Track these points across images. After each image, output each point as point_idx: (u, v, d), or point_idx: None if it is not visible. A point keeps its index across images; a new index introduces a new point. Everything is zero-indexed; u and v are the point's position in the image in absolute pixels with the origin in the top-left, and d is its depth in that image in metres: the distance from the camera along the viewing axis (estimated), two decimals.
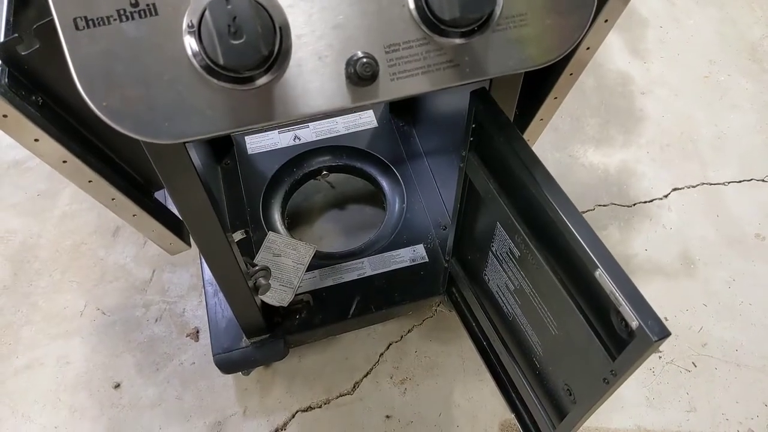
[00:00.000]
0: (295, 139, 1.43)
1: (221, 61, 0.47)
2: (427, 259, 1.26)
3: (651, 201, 1.53)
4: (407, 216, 1.34)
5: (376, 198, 1.45)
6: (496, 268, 0.92)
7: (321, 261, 1.26)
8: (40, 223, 1.51)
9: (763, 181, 1.56)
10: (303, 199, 1.47)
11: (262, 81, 0.52)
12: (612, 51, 1.83)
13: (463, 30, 0.54)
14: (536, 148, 0.97)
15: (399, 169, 1.39)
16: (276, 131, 1.45)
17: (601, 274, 0.61)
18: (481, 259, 0.96)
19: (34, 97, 0.63)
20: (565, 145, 1.63)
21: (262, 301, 1.14)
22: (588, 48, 0.77)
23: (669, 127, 1.67)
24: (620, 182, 1.56)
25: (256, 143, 1.43)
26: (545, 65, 0.57)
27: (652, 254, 1.44)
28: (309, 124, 1.45)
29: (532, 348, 0.89)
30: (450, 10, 0.51)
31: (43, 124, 0.63)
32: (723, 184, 1.55)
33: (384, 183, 1.41)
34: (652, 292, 1.37)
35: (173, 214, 0.87)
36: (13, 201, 1.55)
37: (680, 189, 1.55)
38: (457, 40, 0.55)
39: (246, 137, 1.44)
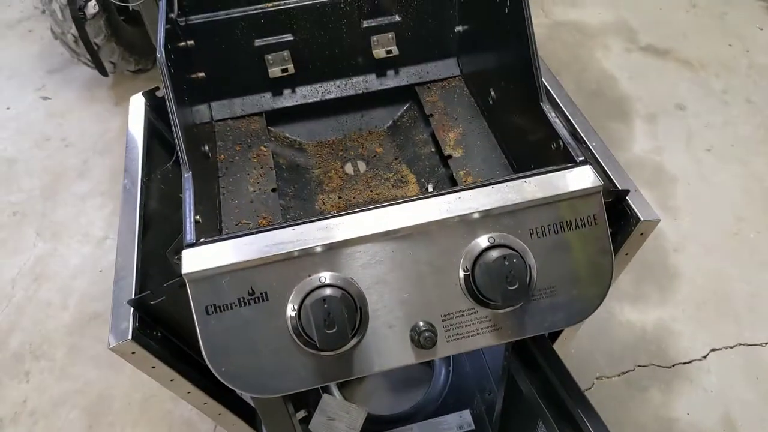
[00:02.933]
0: None
1: (318, 345, 0.61)
2: (473, 426, 1.34)
3: (690, 362, 1.58)
4: (453, 379, 1.42)
5: None
6: None
7: (372, 426, 1.35)
8: (114, 375, 1.65)
9: None
10: None
11: (344, 348, 0.65)
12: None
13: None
14: None
15: None
16: None
17: None
18: None
19: (155, 333, 0.78)
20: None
21: None
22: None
23: (703, 285, 1.74)
24: (658, 341, 1.63)
25: None
26: (573, 326, 0.70)
27: (694, 418, 1.47)
28: None
29: None
30: (494, 297, 0.64)
31: (161, 354, 0.77)
32: (761, 345, 1.60)
33: None
34: None
35: (248, 405, 0.99)
36: (93, 353, 1.71)
37: (718, 350, 1.60)
38: (500, 311, 0.68)
39: None
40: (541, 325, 0.69)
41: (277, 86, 1.13)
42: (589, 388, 1.53)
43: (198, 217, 0.69)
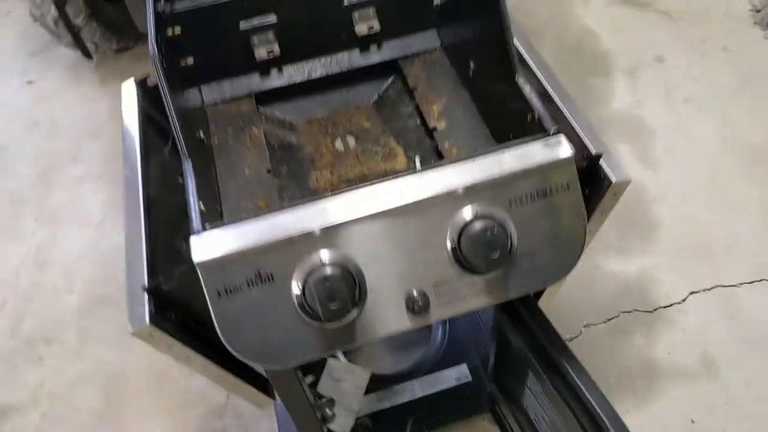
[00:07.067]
0: None
1: (322, 318, 0.68)
2: (470, 378, 1.42)
3: (670, 306, 1.67)
4: (449, 337, 1.51)
5: None
6: (531, 400, 1.08)
7: (376, 384, 1.43)
8: (126, 355, 1.71)
9: None
10: None
11: (347, 319, 0.72)
12: (622, 162, 2.01)
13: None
14: None
15: None
16: None
17: None
18: (519, 389, 1.12)
19: (168, 314, 0.84)
20: (588, 255, 1.79)
21: (328, 429, 1.31)
22: (590, 230, 0.96)
23: (681, 233, 1.82)
24: (641, 288, 1.72)
25: None
26: (552, 285, 0.76)
27: (674, 357, 1.57)
28: None
29: None
30: (479, 265, 0.71)
31: (177, 335, 0.84)
32: (736, 285, 1.69)
33: None
34: (677, 395, 1.49)
35: (259, 373, 1.07)
36: (103, 335, 1.76)
37: (696, 292, 1.69)
38: (485, 277, 0.74)
39: None
40: (524, 287, 0.75)
41: (264, 67, 1.16)
42: (578, 336, 1.62)
43: (201, 203, 0.75)
